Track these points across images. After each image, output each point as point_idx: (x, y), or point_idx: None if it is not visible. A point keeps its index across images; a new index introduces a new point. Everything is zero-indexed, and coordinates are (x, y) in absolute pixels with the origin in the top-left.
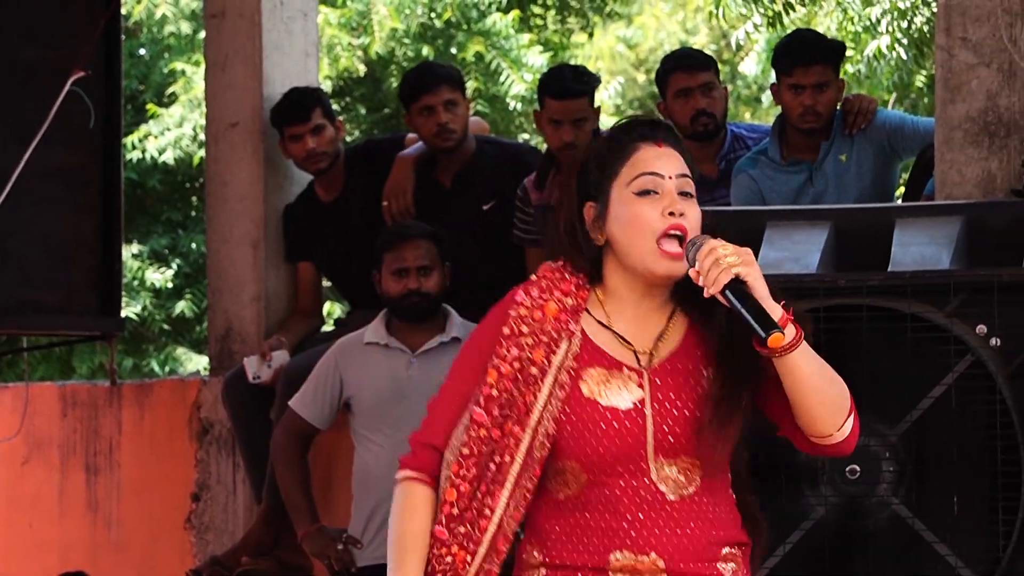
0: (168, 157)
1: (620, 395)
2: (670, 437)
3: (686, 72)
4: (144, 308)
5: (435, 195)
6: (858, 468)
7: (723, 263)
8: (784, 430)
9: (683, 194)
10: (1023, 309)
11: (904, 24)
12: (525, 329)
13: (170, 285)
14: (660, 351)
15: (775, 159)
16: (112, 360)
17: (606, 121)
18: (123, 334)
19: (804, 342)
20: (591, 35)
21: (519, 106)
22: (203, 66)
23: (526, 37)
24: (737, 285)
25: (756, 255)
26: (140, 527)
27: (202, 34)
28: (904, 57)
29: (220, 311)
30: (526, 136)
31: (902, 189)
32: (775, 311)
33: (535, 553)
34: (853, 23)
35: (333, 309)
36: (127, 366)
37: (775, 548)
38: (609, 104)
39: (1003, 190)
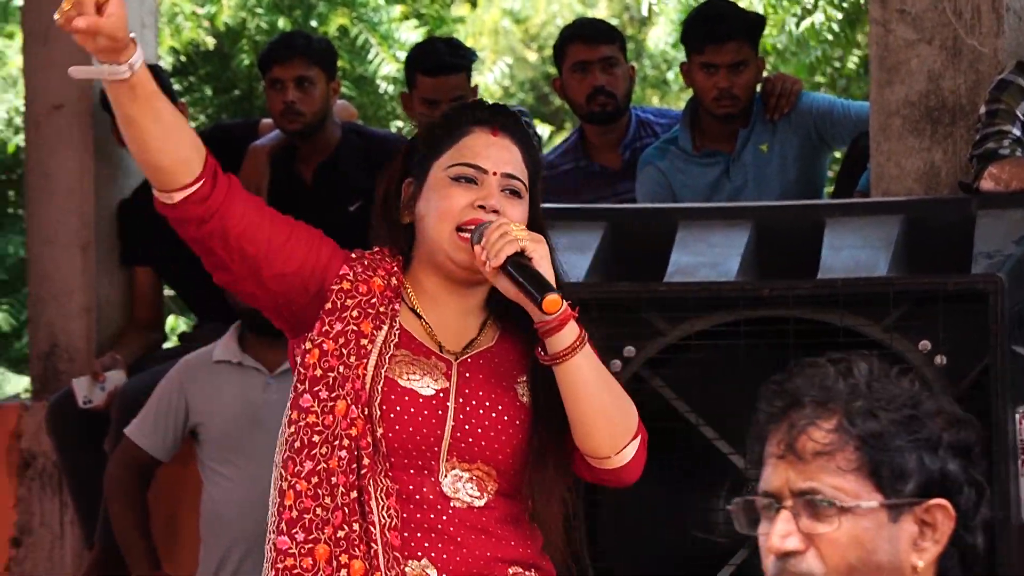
0: None
1: (422, 380)
2: (470, 437)
3: (585, 44)
4: None
5: (294, 192)
6: None
7: (510, 235)
8: (572, 458)
9: (508, 192)
10: (971, 322)
11: None
12: (350, 303)
13: None
14: (473, 347)
15: (686, 149)
16: None
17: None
18: None
19: (588, 350)
20: (474, 5)
21: (390, 88)
22: (17, 39)
23: (398, 9)
24: (520, 259)
25: (666, 259)
26: None
27: (17, 1)
28: (837, 33)
29: (44, 324)
30: (399, 124)
31: (832, 184)
32: (555, 303)
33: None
34: None
35: (176, 323)
36: None
37: None
38: (496, 88)
39: (948, 185)
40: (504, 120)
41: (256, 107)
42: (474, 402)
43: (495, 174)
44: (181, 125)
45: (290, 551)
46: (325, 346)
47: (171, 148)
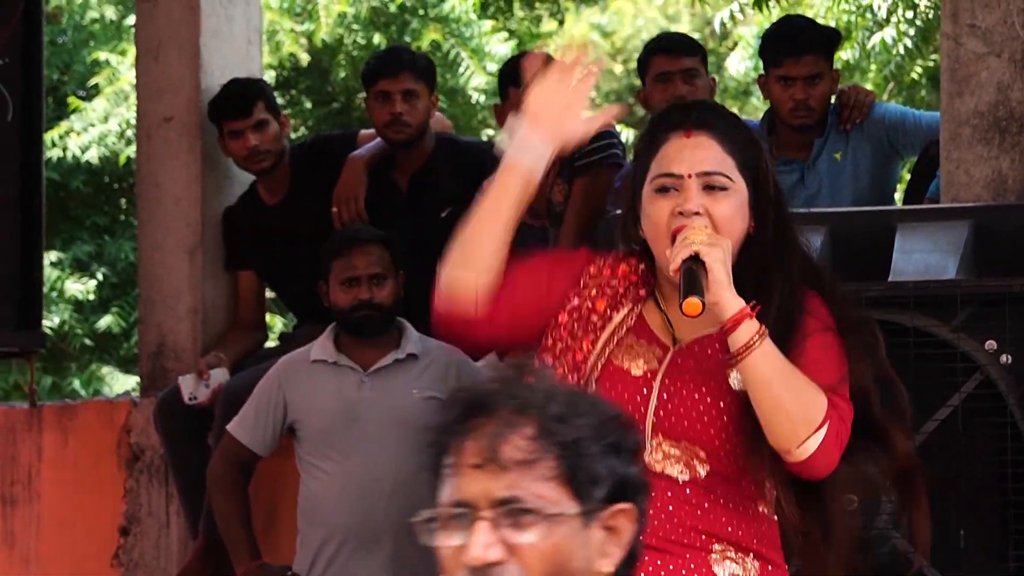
0: (92, 156)
1: (636, 361)
2: (672, 417)
3: (668, 56)
4: (63, 322)
5: (390, 199)
6: (855, 498)
7: (689, 240)
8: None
9: (709, 188)
10: None
11: (909, 14)
12: (591, 283)
13: (92, 296)
14: (692, 334)
15: None
16: (32, 379)
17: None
18: (42, 351)
19: (766, 347)
20: (562, 22)
21: (481, 99)
22: (129, 56)
23: (488, 24)
24: (692, 264)
25: None
26: (62, 564)
27: (129, 20)
28: (911, 48)
29: (152, 325)
30: (490, 133)
31: (903, 190)
32: (733, 304)
33: None
34: (846, 3)
35: (276, 323)
36: (45, 386)
37: None
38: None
39: (1015, 191)
40: (697, 117)
41: (354, 119)
42: (679, 384)
43: (691, 176)
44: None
45: None
46: (561, 319)
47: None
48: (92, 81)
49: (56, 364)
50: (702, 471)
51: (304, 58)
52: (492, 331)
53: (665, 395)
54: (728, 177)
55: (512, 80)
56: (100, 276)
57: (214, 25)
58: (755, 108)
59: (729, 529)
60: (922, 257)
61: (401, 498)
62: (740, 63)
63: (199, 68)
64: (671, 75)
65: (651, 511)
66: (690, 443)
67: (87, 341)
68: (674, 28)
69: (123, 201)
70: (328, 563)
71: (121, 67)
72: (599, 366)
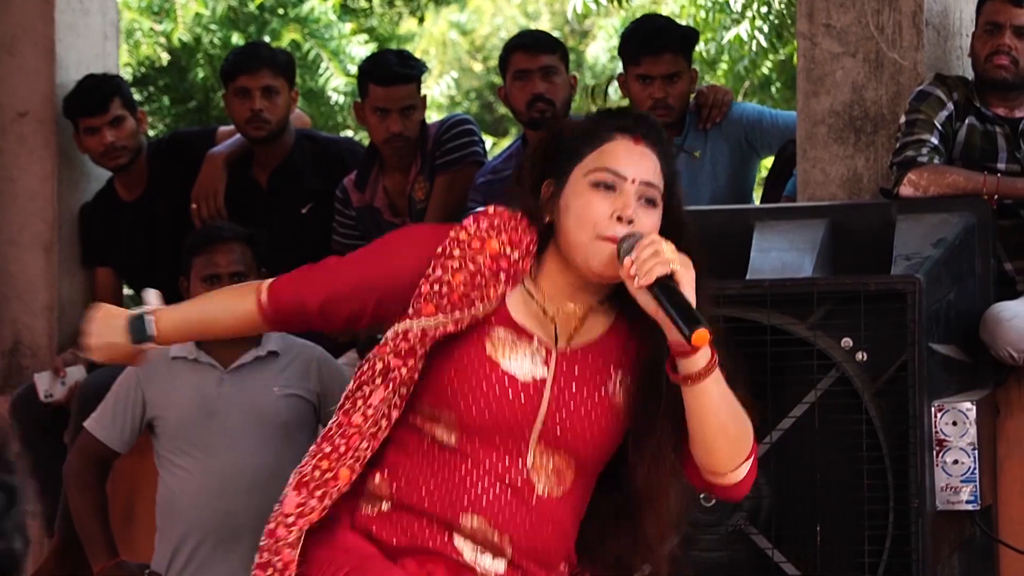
0: None
1: (522, 365)
2: (559, 428)
3: (526, 53)
4: None
5: (250, 196)
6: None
7: (662, 256)
8: (680, 462)
9: (645, 200)
10: (891, 320)
11: (764, 9)
12: (456, 252)
13: None
14: (577, 339)
15: None
16: None
17: (435, 116)
18: None
19: (717, 372)
20: (421, 20)
21: (341, 100)
22: None
23: (348, 26)
24: (668, 282)
25: None
26: None
27: None
28: (764, 45)
29: (7, 321)
30: (350, 134)
31: (760, 189)
32: (703, 338)
33: (384, 485)
34: (699, 4)
35: None
36: None
37: None
38: (443, 99)
39: (870, 191)
40: (646, 129)
41: (212, 116)
42: (568, 393)
43: (634, 182)
44: (226, 314)
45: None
46: (423, 288)
47: (235, 332)
48: None
49: None
50: (567, 483)
51: (163, 58)
52: (330, 327)
53: (554, 404)
54: (660, 194)
55: (373, 77)
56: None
57: (69, 19)
58: (614, 105)
59: (571, 544)
60: (779, 255)
61: (260, 495)
62: (602, 53)
63: (54, 63)
64: (530, 72)
65: (517, 519)
66: (568, 454)
67: None
68: (533, 26)
69: None
70: (187, 561)
71: None
72: (470, 356)
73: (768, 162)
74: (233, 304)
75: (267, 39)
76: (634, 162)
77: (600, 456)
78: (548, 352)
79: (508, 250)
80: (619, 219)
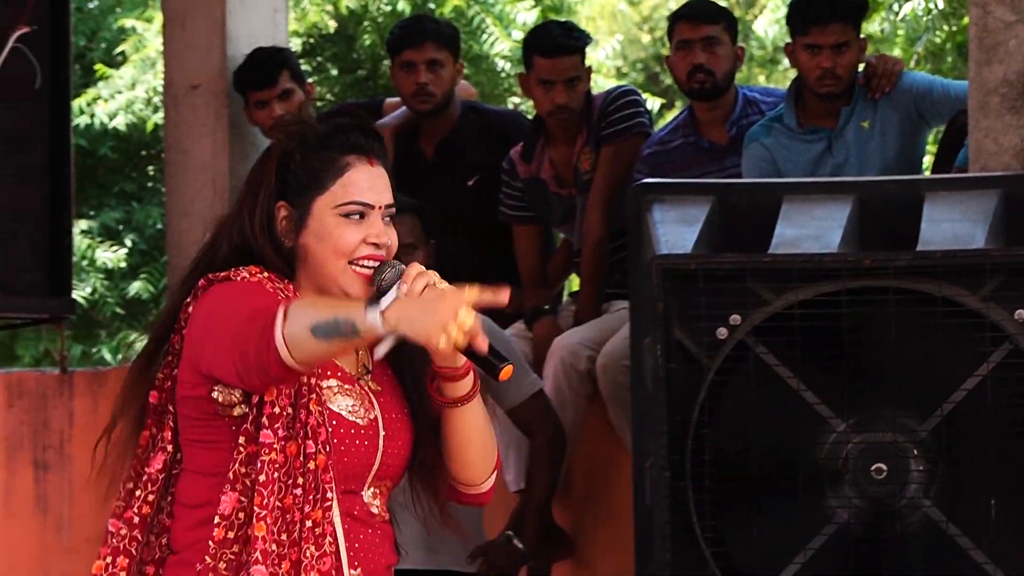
0: (119, 123)
1: (358, 411)
2: (390, 460)
3: (689, 23)
4: (94, 290)
5: (416, 168)
6: (884, 467)
7: (439, 288)
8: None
9: (388, 219)
10: None
11: None
12: None
13: (123, 264)
14: (364, 370)
15: (791, 126)
16: (62, 346)
17: (600, 83)
18: (72, 317)
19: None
20: None
21: (506, 66)
22: (156, 22)
23: None
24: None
25: (771, 231)
26: (94, 528)
27: None
28: (938, 16)
29: None
30: (515, 101)
31: (930, 159)
32: (509, 371)
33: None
34: None
35: None
36: (76, 354)
37: (795, 555)
38: (609, 65)
39: None
40: (376, 145)
41: (380, 86)
42: (391, 427)
43: (379, 208)
44: None
45: None
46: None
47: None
48: (119, 48)
49: (86, 332)
50: (384, 503)
51: (330, 25)
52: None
53: (387, 440)
54: (394, 207)
55: (537, 49)
56: (129, 243)
57: None
58: (783, 76)
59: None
60: (950, 226)
61: None
62: (769, 27)
63: (225, 36)
64: (691, 43)
65: (370, 555)
66: (389, 479)
67: (117, 309)
68: None
69: (151, 168)
70: None
71: (147, 34)
72: (328, 424)
73: (939, 133)
74: None
75: (432, 6)
76: (377, 188)
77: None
78: (353, 381)
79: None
80: (374, 244)
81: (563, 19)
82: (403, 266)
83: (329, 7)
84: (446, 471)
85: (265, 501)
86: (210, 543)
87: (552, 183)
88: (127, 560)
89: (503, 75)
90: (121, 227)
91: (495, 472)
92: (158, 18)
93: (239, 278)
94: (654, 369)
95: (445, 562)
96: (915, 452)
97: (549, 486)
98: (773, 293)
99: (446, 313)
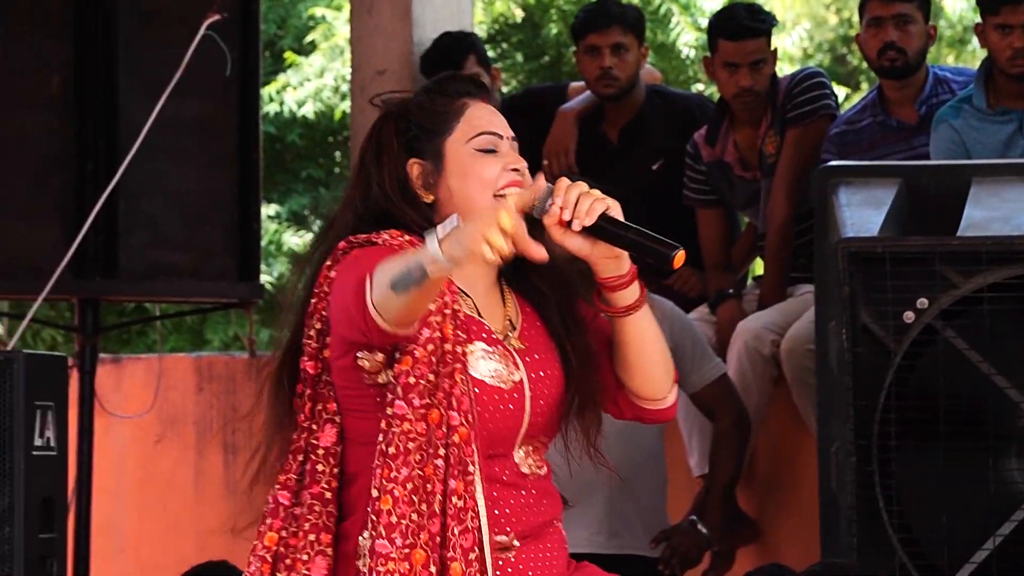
0: (308, 110)
1: (501, 375)
2: (540, 419)
3: (882, 1)
4: (281, 275)
5: (600, 152)
6: None
7: (592, 194)
8: (602, 398)
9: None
10: None
11: None
12: (432, 307)
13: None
14: (514, 330)
15: (981, 107)
16: (251, 330)
17: (786, 71)
18: (260, 302)
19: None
20: None
21: (692, 54)
22: (344, 10)
23: None
24: (609, 217)
25: (960, 214)
26: None
27: None
28: None
29: None
30: (700, 87)
31: None
32: (627, 257)
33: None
34: None
35: None
36: (263, 338)
37: (984, 540)
38: (796, 50)
39: None
40: (485, 93)
41: (564, 73)
42: (539, 387)
43: (507, 139)
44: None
45: (391, 555)
46: (417, 353)
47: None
48: (308, 37)
49: (275, 317)
50: (543, 458)
51: (517, 14)
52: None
53: (533, 400)
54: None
55: (722, 32)
56: (316, 228)
57: None
58: (972, 56)
59: (559, 507)
60: None
61: (614, 451)
62: (957, 3)
63: (411, 22)
64: (883, 20)
65: (522, 517)
66: (544, 435)
67: None
68: None
69: (338, 154)
70: None
71: (336, 22)
72: (471, 392)
73: None
74: None
75: None
76: (498, 120)
77: (559, 424)
78: (498, 343)
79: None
80: (514, 170)
81: (749, 2)
82: (551, 184)
83: None
84: (598, 407)
85: (393, 474)
86: (371, 516)
87: (736, 166)
88: (329, 536)
89: (687, 63)
90: (308, 213)
91: (675, 386)
92: (347, 6)
93: (380, 240)
94: (839, 353)
95: (628, 547)
96: None
97: (733, 471)
98: (962, 276)
99: (485, 223)
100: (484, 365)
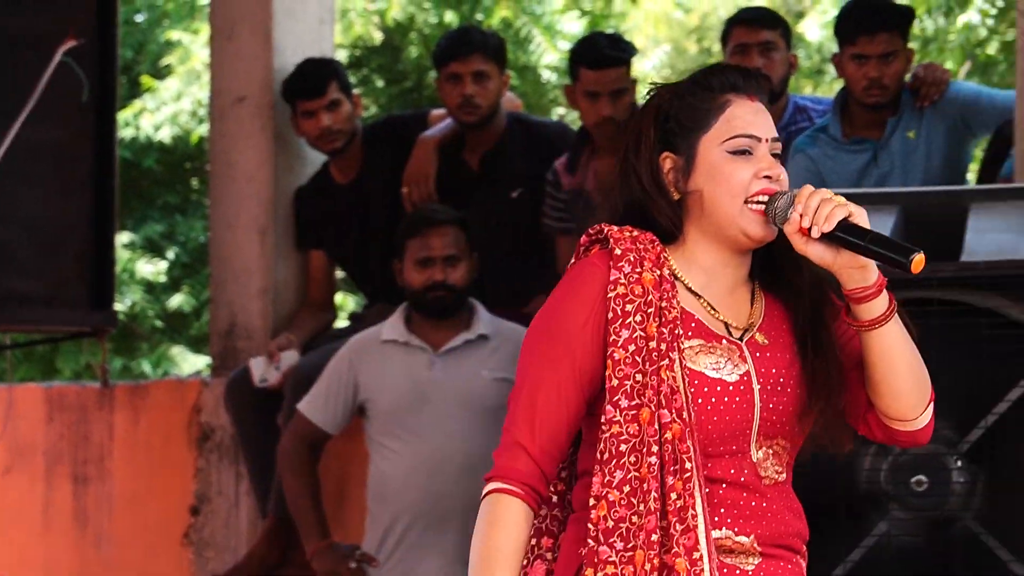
0: (164, 135)
1: (725, 368)
2: (774, 416)
3: (747, 27)
4: (134, 303)
5: (461, 179)
6: (925, 479)
7: (834, 200)
8: (853, 416)
9: (775, 155)
10: None
11: None
12: (630, 308)
13: (163, 278)
14: (751, 325)
15: (836, 136)
16: (104, 359)
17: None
18: (113, 331)
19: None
20: (635, 1)
21: (553, 77)
22: (202, 35)
23: (561, 1)
24: (850, 223)
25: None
26: (133, 543)
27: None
28: (992, 26)
29: (223, 304)
30: (561, 111)
31: (976, 170)
32: (875, 267)
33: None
34: None
35: (345, 302)
36: (116, 367)
37: (834, 566)
38: (655, 75)
39: None
40: (757, 84)
41: (425, 97)
42: (771, 382)
43: (766, 140)
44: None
45: (610, 559)
46: (616, 355)
47: None
48: (165, 60)
49: (127, 345)
50: (787, 465)
51: (376, 37)
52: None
53: (764, 396)
54: (781, 146)
55: (583, 60)
56: (172, 255)
57: (287, 4)
58: (830, 87)
59: (803, 522)
60: (995, 237)
61: (470, 479)
62: (818, 30)
63: (272, 47)
64: (748, 47)
65: (756, 521)
66: (783, 438)
67: (157, 323)
68: (749, 4)
69: (195, 180)
70: (397, 543)
71: (193, 46)
72: (688, 387)
73: (984, 143)
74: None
75: (480, 16)
76: (760, 121)
77: (803, 430)
78: (738, 347)
79: (658, 273)
80: (766, 177)
81: (610, 30)
82: (794, 191)
83: (375, 19)
84: (846, 422)
85: (608, 479)
86: (589, 525)
87: (596, 195)
88: (550, 540)
89: (549, 86)
90: (164, 240)
91: (930, 405)
92: (204, 30)
93: (604, 237)
94: None
95: None
96: (957, 464)
97: None
98: None
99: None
100: (704, 359)
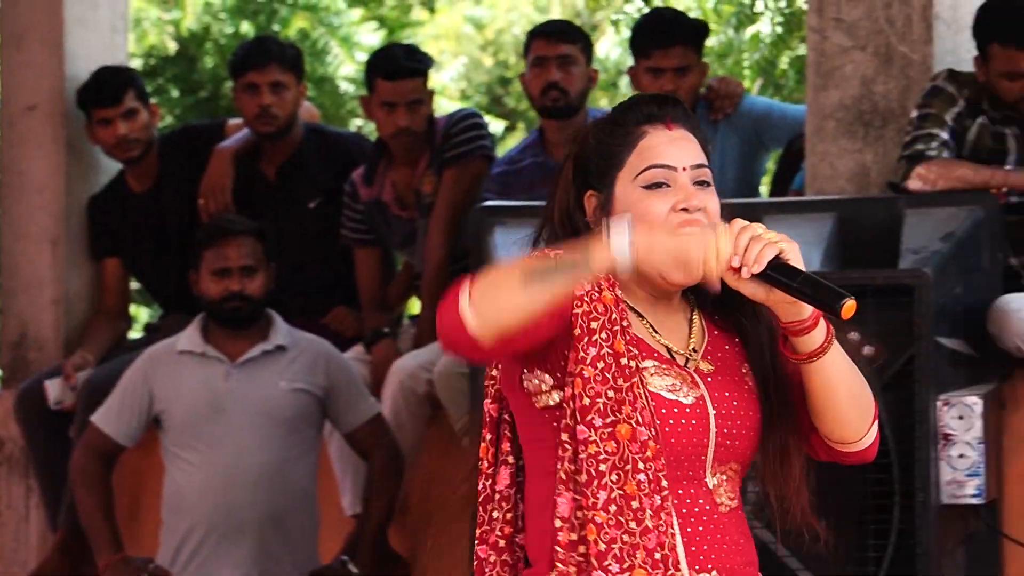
0: None
1: (681, 390)
2: (728, 440)
3: (546, 41)
4: None
5: (258, 190)
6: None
7: (764, 238)
8: (802, 440)
9: (700, 183)
10: (898, 314)
11: (782, 3)
12: (595, 325)
13: None
14: (693, 352)
15: None
16: None
17: (444, 106)
18: None
19: (836, 342)
20: (433, 11)
21: (350, 88)
22: None
23: (358, 13)
24: (782, 262)
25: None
26: None
27: None
28: (780, 39)
29: (14, 315)
30: (358, 122)
31: (769, 183)
32: (852, 309)
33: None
34: None
35: (139, 313)
36: None
37: None
38: (453, 87)
39: (878, 185)
40: (675, 111)
41: (222, 107)
42: (725, 407)
43: (684, 169)
44: None
45: None
46: (586, 373)
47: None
48: None
49: None
50: (736, 491)
51: (171, 46)
52: (491, 358)
53: (719, 419)
54: (711, 173)
55: (380, 71)
56: None
57: (79, 13)
58: (623, 98)
59: (754, 551)
60: None
61: (265, 490)
62: (612, 49)
63: (63, 56)
64: (547, 60)
65: (718, 549)
66: (736, 462)
67: None
68: (544, 19)
69: None
70: (192, 555)
71: None
72: (650, 404)
73: (777, 156)
74: None
75: (276, 27)
76: (675, 150)
77: (752, 455)
78: (677, 364)
79: (613, 294)
80: (684, 210)
81: (407, 42)
82: (723, 224)
83: (170, 28)
84: (801, 459)
85: (591, 501)
86: (557, 548)
87: (394, 206)
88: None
89: (347, 97)
90: None
91: (874, 424)
92: None
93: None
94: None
95: None
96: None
97: (386, 510)
98: None
99: (701, 241)
100: (659, 380)
